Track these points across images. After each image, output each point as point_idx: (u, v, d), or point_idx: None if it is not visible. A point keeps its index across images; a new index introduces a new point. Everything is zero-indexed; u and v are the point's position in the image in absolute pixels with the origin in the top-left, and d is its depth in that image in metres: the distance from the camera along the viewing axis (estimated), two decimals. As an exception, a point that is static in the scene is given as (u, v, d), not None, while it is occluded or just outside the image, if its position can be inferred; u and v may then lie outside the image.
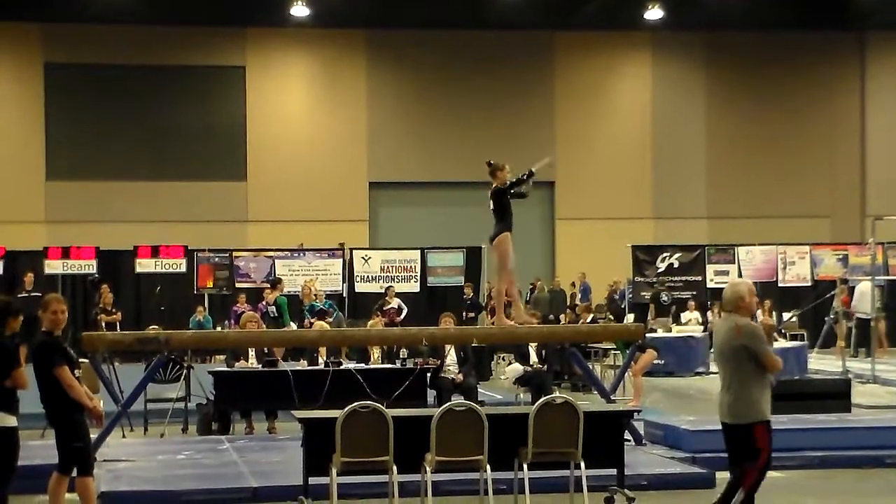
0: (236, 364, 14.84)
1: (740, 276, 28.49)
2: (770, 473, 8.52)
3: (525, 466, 9.35)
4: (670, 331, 23.93)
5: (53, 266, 26.16)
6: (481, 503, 9.38)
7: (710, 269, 28.97)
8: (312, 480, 9.50)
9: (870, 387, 19.17)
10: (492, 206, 12.07)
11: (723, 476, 10.69)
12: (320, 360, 15.82)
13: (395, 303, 24.80)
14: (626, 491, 9.79)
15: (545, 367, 16.68)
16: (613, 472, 9.95)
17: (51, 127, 31.25)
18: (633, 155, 33.37)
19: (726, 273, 28.80)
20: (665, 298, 26.03)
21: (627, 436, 11.47)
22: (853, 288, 25.10)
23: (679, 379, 21.91)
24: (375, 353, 18.50)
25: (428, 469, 9.17)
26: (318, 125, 32.56)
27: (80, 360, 9.48)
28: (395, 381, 14.39)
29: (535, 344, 16.24)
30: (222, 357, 17.88)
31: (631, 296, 27.97)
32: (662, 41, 33.35)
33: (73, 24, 30.76)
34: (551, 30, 32.84)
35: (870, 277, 22.60)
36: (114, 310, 23.19)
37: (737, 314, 8.17)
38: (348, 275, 27.28)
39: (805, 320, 26.44)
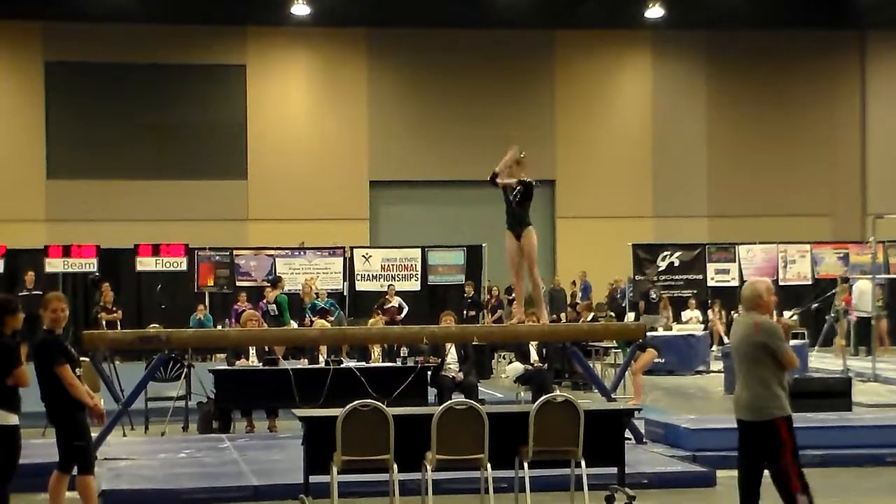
0: (237, 362, 14.85)
1: (741, 274, 28.61)
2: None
3: (526, 465, 9.35)
4: (655, 329, 23.91)
5: (54, 265, 26.16)
6: (482, 502, 9.38)
7: (711, 267, 28.98)
8: (313, 479, 9.49)
9: (870, 385, 19.16)
10: (520, 199, 11.96)
11: (723, 475, 10.74)
12: (321, 359, 15.83)
13: (395, 301, 24.80)
14: (626, 489, 9.78)
15: (546, 365, 16.68)
16: (614, 470, 9.95)
17: (51, 125, 31.25)
18: (633, 153, 33.37)
19: (727, 272, 28.85)
20: (654, 296, 26.04)
21: (628, 434, 11.46)
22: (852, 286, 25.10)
23: (679, 377, 21.92)
24: (376, 351, 18.50)
25: (428, 467, 9.18)
26: (319, 124, 32.56)
27: (81, 358, 9.49)
28: (396, 379, 14.39)
29: (536, 342, 16.24)
30: (223, 355, 17.87)
31: (632, 294, 27.98)
32: (663, 40, 33.35)
33: (74, 22, 30.74)
34: (552, 28, 32.83)
35: (868, 276, 22.59)
36: (114, 308, 23.20)
37: (755, 312, 8.20)
38: (349, 273, 27.29)
39: (806, 319, 26.44)
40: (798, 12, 32.94)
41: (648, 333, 15.53)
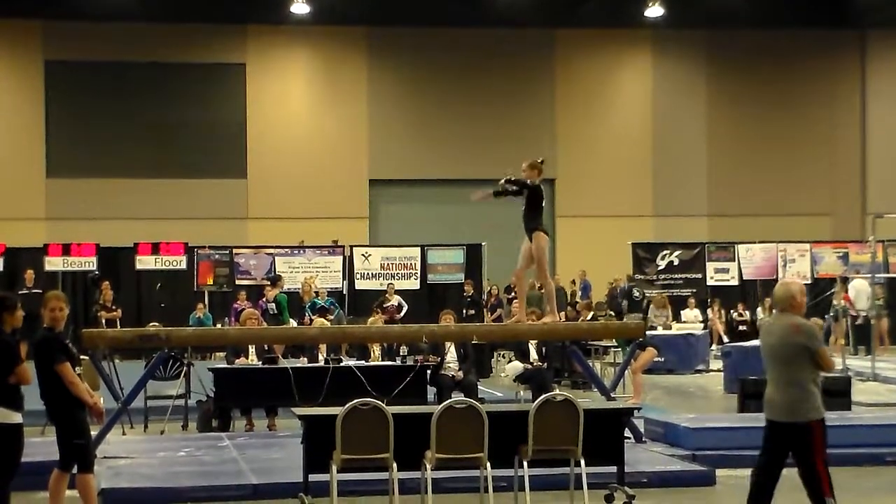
0: (236, 361, 14.85)
1: (740, 274, 28.66)
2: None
3: (525, 464, 9.34)
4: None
5: (54, 263, 26.16)
6: (481, 500, 9.38)
7: (711, 266, 29.00)
8: (313, 477, 9.49)
9: (870, 384, 19.14)
10: (526, 203, 11.96)
11: (722, 474, 10.75)
12: (320, 357, 15.83)
13: (395, 300, 24.79)
14: (626, 488, 9.78)
15: (545, 364, 16.68)
16: (613, 469, 9.95)
17: (51, 124, 31.26)
18: (633, 152, 33.38)
19: (726, 271, 28.88)
20: (637, 294, 26.04)
21: (627, 433, 11.46)
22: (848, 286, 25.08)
23: (679, 376, 21.91)
24: (376, 350, 18.51)
25: (428, 466, 9.17)
26: (319, 122, 32.56)
27: (81, 356, 9.48)
28: (396, 378, 14.38)
29: (536, 341, 16.23)
30: (222, 354, 17.88)
31: (616, 293, 27.91)
32: (663, 39, 33.35)
33: (74, 21, 30.75)
34: (552, 27, 32.84)
35: (864, 275, 22.57)
36: (114, 307, 23.17)
37: (790, 313, 8.17)
38: (348, 272, 27.29)
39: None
40: (798, 12, 32.95)
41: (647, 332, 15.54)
